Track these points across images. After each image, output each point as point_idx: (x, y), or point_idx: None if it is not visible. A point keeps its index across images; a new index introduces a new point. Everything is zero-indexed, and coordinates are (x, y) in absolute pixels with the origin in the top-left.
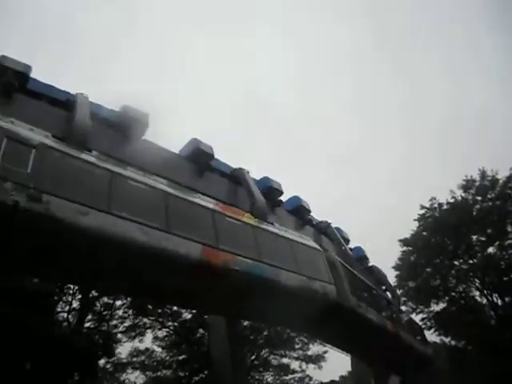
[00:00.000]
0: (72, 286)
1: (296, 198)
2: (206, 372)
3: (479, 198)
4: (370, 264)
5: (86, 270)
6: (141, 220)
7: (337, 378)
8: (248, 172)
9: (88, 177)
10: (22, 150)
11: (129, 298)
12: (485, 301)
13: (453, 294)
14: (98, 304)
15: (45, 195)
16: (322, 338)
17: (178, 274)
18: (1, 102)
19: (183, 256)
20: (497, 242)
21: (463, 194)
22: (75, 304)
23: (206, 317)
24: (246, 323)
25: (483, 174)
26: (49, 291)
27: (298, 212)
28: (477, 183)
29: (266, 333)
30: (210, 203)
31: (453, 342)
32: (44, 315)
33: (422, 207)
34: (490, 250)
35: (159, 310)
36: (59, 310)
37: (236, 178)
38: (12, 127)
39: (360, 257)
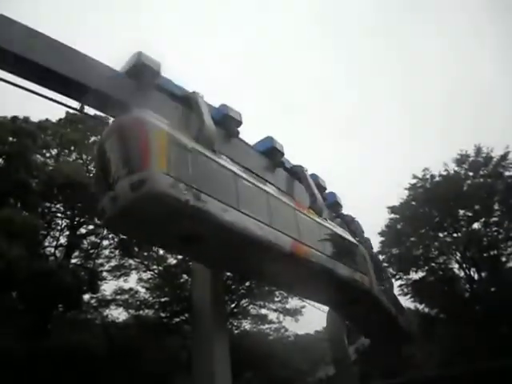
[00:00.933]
0: (60, 222)
1: (269, 139)
2: (186, 315)
3: (471, 173)
4: (342, 211)
5: (217, 252)
6: (257, 217)
7: (312, 332)
8: (202, 96)
9: (223, 178)
10: (183, 154)
11: (115, 239)
12: (462, 274)
13: (433, 264)
14: (85, 242)
15: (202, 194)
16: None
17: (273, 259)
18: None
19: (280, 247)
20: (482, 219)
21: (456, 168)
22: (63, 240)
23: (190, 264)
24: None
25: (478, 150)
26: (37, 225)
27: (271, 154)
28: (471, 159)
29: (247, 284)
30: (292, 202)
31: (426, 310)
32: (31, 248)
33: (414, 177)
34: (475, 225)
35: (145, 253)
36: (47, 244)
37: (295, 173)
38: (173, 131)
39: (332, 203)
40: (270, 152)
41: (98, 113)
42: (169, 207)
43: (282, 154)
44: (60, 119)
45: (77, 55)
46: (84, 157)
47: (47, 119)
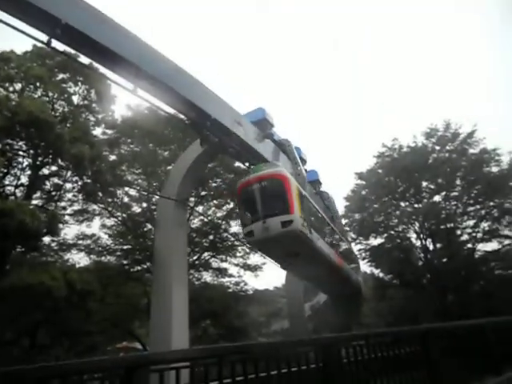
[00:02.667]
0: (22, 161)
1: (261, 110)
2: (148, 264)
3: (438, 147)
4: (321, 189)
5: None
6: (327, 243)
7: (271, 288)
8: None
9: (315, 215)
10: (302, 200)
11: (79, 182)
12: (418, 243)
13: (392, 232)
14: (47, 183)
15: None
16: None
17: (330, 269)
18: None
19: (332, 260)
20: (443, 192)
21: (424, 141)
22: (24, 180)
23: (155, 213)
24: (193, 226)
25: (447, 125)
26: None
27: (261, 124)
28: (439, 133)
29: (211, 237)
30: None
31: (381, 275)
32: None
33: (384, 146)
34: (436, 198)
35: (109, 199)
36: (7, 183)
37: (282, 145)
38: (293, 179)
39: (313, 180)
40: (261, 123)
41: (68, 49)
42: (298, 238)
43: (272, 126)
44: (26, 52)
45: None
46: (50, 94)
47: (12, 50)
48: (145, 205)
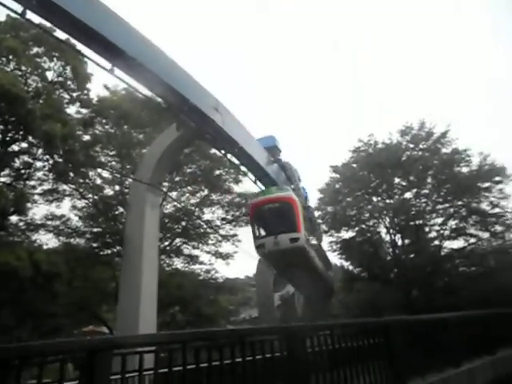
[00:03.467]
0: None
1: (271, 138)
2: (118, 247)
3: (412, 145)
4: (281, 158)
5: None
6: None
7: (241, 277)
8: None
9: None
10: (304, 218)
11: (50, 161)
12: (388, 238)
13: (363, 226)
14: (16, 161)
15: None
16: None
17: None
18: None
19: (318, 267)
20: (414, 190)
21: (399, 139)
22: None
23: (127, 196)
24: (166, 211)
25: (422, 124)
26: None
27: (271, 150)
28: (414, 131)
29: (183, 224)
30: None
31: (350, 267)
32: None
33: (360, 141)
34: (407, 194)
35: (81, 180)
36: None
37: (284, 167)
38: (299, 202)
39: (270, 147)
40: (271, 149)
41: (43, 21)
42: (301, 252)
43: (280, 151)
44: None
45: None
46: (23, 68)
47: None
48: (117, 187)
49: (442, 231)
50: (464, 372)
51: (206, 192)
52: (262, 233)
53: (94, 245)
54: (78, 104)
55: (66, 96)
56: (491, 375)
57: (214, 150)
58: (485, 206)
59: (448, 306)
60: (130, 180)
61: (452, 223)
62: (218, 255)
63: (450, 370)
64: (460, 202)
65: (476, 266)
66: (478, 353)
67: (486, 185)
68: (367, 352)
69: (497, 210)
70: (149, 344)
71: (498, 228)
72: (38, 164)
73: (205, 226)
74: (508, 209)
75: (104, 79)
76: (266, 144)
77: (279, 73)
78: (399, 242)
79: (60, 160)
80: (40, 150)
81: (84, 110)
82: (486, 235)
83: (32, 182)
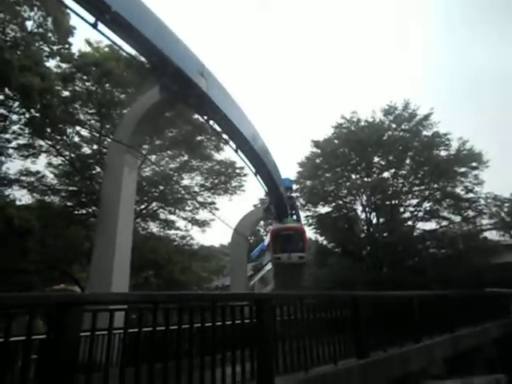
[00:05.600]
0: None
1: (287, 180)
2: (93, 208)
3: (394, 125)
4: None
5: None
6: None
7: (216, 245)
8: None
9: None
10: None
11: (27, 115)
12: (363, 216)
13: (340, 202)
14: None
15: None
16: None
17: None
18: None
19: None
20: (393, 170)
21: (382, 118)
22: None
23: (105, 156)
24: (144, 174)
25: (406, 105)
26: None
27: (286, 188)
28: (397, 112)
29: (161, 187)
30: None
31: (324, 242)
32: None
33: (343, 117)
34: (386, 174)
35: (58, 137)
36: None
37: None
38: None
39: (287, 187)
40: (287, 187)
41: None
42: (303, 265)
43: (292, 190)
44: None
45: None
46: (1, 16)
47: None
48: (95, 147)
49: (416, 212)
50: (423, 347)
51: (185, 157)
52: (280, 250)
53: (69, 204)
54: (58, 58)
55: (46, 49)
56: (450, 351)
57: (196, 116)
58: (459, 190)
59: (416, 285)
60: (109, 140)
61: (426, 205)
62: (195, 222)
63: (410, 345)
64: (436, 185)
65: (445, 249)
66: (438, 331)
67: (463, 170)
68: (334, 323)
69: (470, 195)
70: (120, 302)
71: (470, 213)
72: (14, 117)
73: (183, 192)
74: (481, 194)
75: (87, 34)
76: (284, 184)
77: (264, 45)
78: (374, 221)
79: (37, 115)
80: (16, 103)
81: (64, 65)
82: (457, 219)
83: (7, 136)
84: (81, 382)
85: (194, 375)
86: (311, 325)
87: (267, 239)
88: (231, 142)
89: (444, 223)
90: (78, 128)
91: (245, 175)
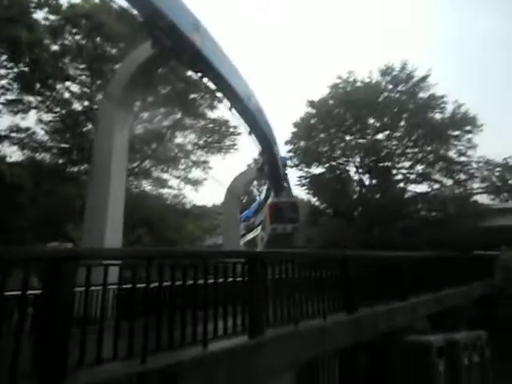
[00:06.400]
0: None
1: (284, 158)
2: (85, 165)
3: (391, 86)
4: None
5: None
6: None
7: (209, 205)
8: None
9: None
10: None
11: (15, 69)
12: (356, 177)
13: (333, 163)
14: None
15: None
16: None
17: None
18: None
19: None
20: (387, 132)
21: (379, 78)
22: None
23: (97, 112)
24: (137, 132)
25: (404, 66)
26: None
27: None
28: (395, 72)
29: (154, 146)
30: None
31: (317, 203)
32: None
33: (339, 77)
34: (380, 136)
35: (48, 93)
36: None
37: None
38: None
39: (284, 164)
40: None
41: None
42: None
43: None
44: None
45: None
46: None
47: None
48: (86, 103)
49: (408, 175)
50: (408, 305)
51: (179, 115)
52: (277, 221)
53: (61, 161)
54: (46, 9)
55: None
56: (434, 309)
57: (190, 73)
58: (452, 153)
59: (406, 246)
60: (100, 96)
61: (419, 168)
62: (187, 181)
63: (396, 302)
64: (429, 148)
65: (436, 211)
66: (424, 290)
67: (456, 133)
68: (325, 281)
69: (463, 158)
70: (114, 257)
71: (462, 176)
72: (2, 71)
73: (176, 150)
74: (474, 158)
75: None
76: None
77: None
78: (366, 182)
79: (26, 69)
80: (4, 57)
81: (53, 17)
82: (449, 182)
83: None
84: (76, 335)
85: (186, 329)
86: (302, 282)
87: (264, 212)
88: (225, 100)
89: (436, 186)
90: (68, 84)
91: (238, 134)
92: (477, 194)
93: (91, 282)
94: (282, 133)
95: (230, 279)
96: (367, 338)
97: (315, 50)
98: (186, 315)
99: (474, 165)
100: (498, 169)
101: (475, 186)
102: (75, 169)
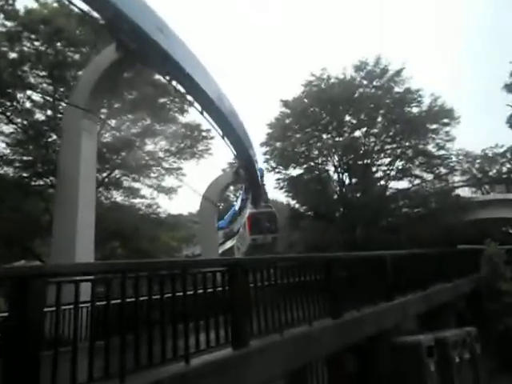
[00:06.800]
0: None
1: (261, 169)
2: (51, 178)
3: (365, 82)
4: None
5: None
6: None
7: (185, 213)
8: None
9: None
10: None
11: None
12: (336, 177)
13: (311, 163)
14: None
15: None
16: None
17: None
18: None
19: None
20: (364, 128)
21: (353, 74)
22: None
23: (60, 122)
24: (104, 140)
25: (377, 60)
26: None
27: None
28: (369, 67)
29: (123, 154)
30: None
31: (296, 205)
32: None
33: (312, 75)
34: (357, 133)
35: (8, 103)
36: None
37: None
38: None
39: (262, 175)
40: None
41: None
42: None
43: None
44: None
45: None
46: None
47: None
48: (50, 112)
49: (388, 171)
50: (396, 305)
51: (148, 121)
52: (256, 232)
53: (25, 174)
54: (1, 15)
55: None
56: (423, 308)
57: (158, 76)
58: (431, 147)
59: (390, 244)
60: (64, 104)
61: (399, 164)
62: (161, 189)
63: (383, 303)
64: (407, 143)
65: (418, 207)
66: (411, 288)
67: (434, 126)
68: (309, 286)
69: (442, 152)
70: (86, 273)
71: (442, 170)
72: None
73: (147, 158)
74: (453, 151)
75: None
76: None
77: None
78: (346, 181)
79: None
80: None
81: (9, 23)
82: (430, 177)
83: None
84: (48, 359)
85: (166, 344)
86: (286, 288)
87: (240, 221)
88: (196, 104)
89: (416, 182)
90: (29, 92)
91: (212, 138)
92: (458, 187)
93: (62, 301)
94: (258, 135)
95: (211, 289)
96: (355, 341)
97: (289, 49)
98: (166, 330)
99: (454, 158)
100: (477, 161)
101: (456, 179)
102: (41, 182)
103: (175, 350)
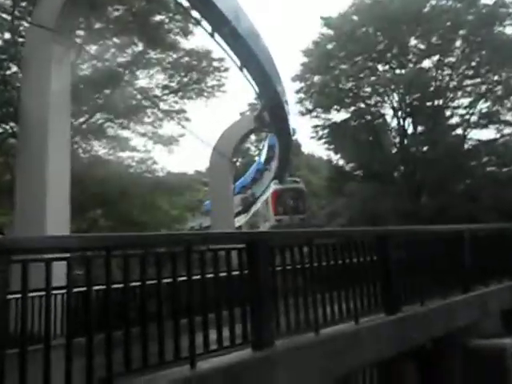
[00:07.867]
0: None
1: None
2: (11, 124)
3: None
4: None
5: None
6: None
7: (190, 171)
8: None
9: None
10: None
11: None
12: (395, 123)
13: (362, 105)
14: None
15: None
16: None
17: None
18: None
19: None
20: (437, 56)
21: None
22: None
23: (23, 49)
24: (82, 73)
25: None
26: None
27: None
28: None
29: (107, 92)
30: None
31: (340, 162)
32: None
33: None
34: (426, 63)
35: None
36: None
37: None
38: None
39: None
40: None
41: None
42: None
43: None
44: None
45: None
46: None
47: None
48: (7, 36)
49: (468, 116)
50: (474, 298)
51: (140, 47)
52: (282, 212)
53: None
54: None
55: None
56: (511, 302)
57: None
58: None
59: (468, 217)
60: (27, 25)
61: (482, 106)
62: (157, 139)
63: (456, 295)
64: (496, 77)
65: (509, 167)
66: (496, 276)
67: None
68: (355, 271)
69: None
70: (60, 250)
71: None
72: None
73: (138, 97)
74: None
75: None
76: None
77: None
78: (409, 130)
79: None
80: None
81: None
82: None
83: None
84: (13, 359)
85: (165, 342)
86: (323, 273)
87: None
88: (204, 22)
89: (507, 131)
90: None
91: (225, 70)
92: None
93: (30, 286)
94: (290, 66)
95: (224, 273)
96: (416, 344)
97: None
98: (165, 325)
99: None
100: None
101: None
102: None
103: (177, 351)
